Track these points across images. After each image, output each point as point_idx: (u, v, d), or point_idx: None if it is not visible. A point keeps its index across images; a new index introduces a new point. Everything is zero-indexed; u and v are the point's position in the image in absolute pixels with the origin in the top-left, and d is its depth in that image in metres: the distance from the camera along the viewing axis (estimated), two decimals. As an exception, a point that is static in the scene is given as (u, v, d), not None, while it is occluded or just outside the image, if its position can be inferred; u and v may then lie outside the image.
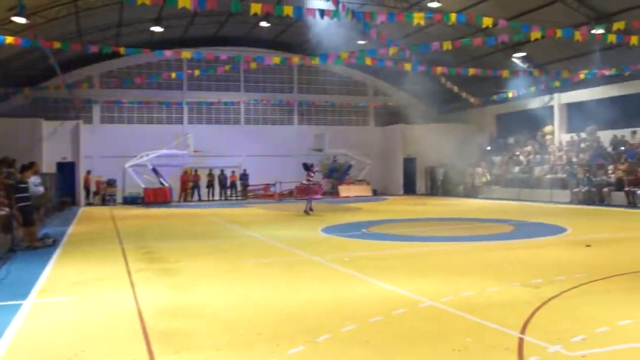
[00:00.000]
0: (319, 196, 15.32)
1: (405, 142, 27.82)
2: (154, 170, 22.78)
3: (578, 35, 14.04)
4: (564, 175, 20.63)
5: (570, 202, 19.23)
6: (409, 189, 27.85)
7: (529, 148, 24.04)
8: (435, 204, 20.14)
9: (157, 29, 21.17)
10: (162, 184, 22.69)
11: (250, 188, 25.13)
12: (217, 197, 24.38)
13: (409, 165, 27.97)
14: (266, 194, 25.21)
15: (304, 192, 14.94)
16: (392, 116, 29.46)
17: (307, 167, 14.92)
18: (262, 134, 27.05)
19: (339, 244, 9.09)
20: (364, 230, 10.56)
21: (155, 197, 21.90)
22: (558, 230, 10.86)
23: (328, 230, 11.03)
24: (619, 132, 20.73)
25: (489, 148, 26.27)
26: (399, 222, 12.92)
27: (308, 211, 14.53)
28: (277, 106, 27.59)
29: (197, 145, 24.30)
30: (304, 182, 15.02)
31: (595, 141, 21.30)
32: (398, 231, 10.76)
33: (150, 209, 18.79)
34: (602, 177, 18.67)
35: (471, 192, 24.25)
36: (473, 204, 19.59)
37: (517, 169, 23.03)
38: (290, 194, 24.67)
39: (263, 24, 22.78)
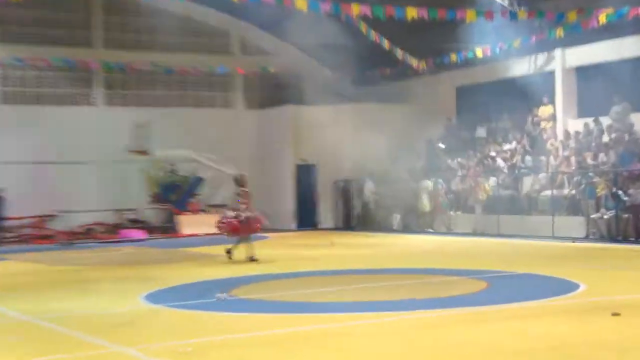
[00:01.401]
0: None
1: (299, 136, 28.75)
2: None
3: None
4: (574, 191, 21.11)
5: (586, 238, 20.11)
6: (307, 219, 29.05)
7: (512, 145, 24.92)
8: (353, 245, 21.64)
9: None
10: None
11: (10, 223, 25.68)
12: None
13: (306, 177, 28.99)
14: (40, 234, 26.20)
15: (238, 228, 16.51)
16: (275, 91, 30.69)
17: (239, 183, 16.80)
18: (35, 122, 27.48)
19: (174, 321, 9.74)
20: (220, 294, 11.32)
21: None
22: (563, 287, 11.70)
23: (156, 297, 11.81)
24: None
25: (442, 146, 27.38)
26: (287, 277, 14.02)
27: (254, 257, 16.40)
28: (62, 71, 28.19)
29: None
30: (232, 211, 16.67)
31: (627, 131, 21.70)
32: (284, 294, 11.73)
33: None
34: None
35: (415, 223, 25.37)
36: (418, 244, 21.00)
37: (491, 181, 23.70)
38: (88, 232, 26.42)
39: None
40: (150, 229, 26.53)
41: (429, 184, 25.12)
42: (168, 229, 26.70)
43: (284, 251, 19.38)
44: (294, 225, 28.39)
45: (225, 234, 16.74)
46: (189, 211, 27.42)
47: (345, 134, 27.09)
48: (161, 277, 14.28)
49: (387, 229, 25.82)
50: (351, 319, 9.34)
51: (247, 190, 16.61)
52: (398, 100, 28.56)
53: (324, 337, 8.27)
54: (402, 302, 10.56)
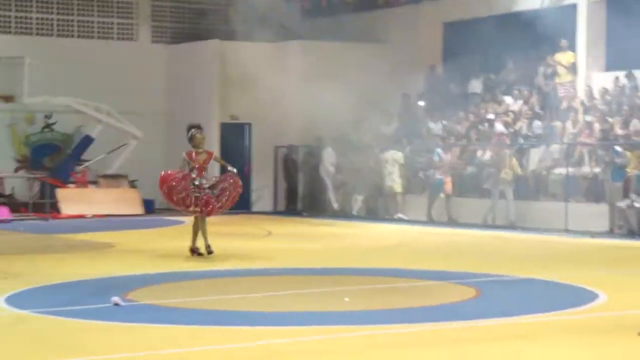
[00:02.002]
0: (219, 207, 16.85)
1: (227, 84, 28.97)
2: None
3: None
4: (596, 170, 21.41)
5: (610, 232, 20.47)
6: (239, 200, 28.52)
7: (517, 105, 24.97)
8: (297, 236, 21.76)
9: None
10: None
11: None
12: None
13: (235, 141, 29.33)
14: None
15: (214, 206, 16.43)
16: (194, 20, 30.45)
17: (191, 145, 16.73)
18: None
19: (50, 333, 9.58)
20: (116, 299, 11.17)
21: None
22: (577, 297, 11.83)
23: (21, 299, 11.66)
24: None
25: (422, 103, 27.64)
26: (204, 277, 14.15)
27: (208, 248, 16.42)
28: None
29: None
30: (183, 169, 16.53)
31: None
32: (196, 300, 11.71)
33: None
34: None
35: (383, 207, 25.28)
36: (385, 236, 21.13)
37: (487, 154, 23.89)
38: None
39: None
40: (17, 205, 26.29)
41: (399, 155, 25.31)
42: (42, 206, 26.32)
43: (203, 242, 19.14)
44: (217, 206, 28.44)
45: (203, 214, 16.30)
46: (72, 183, 27.26)
47: (291, 83, 27.13)
48: (29, 272, 14.07)
49: (345, 215, 25.83)
50: (282, 334, 9.27)
51: (202, 150, 16.38)
52: (364, 39, 28.62)
53: (242, 359, 8.20)
54: (354, 313, 10.48)
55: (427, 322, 9.85)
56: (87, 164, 28.00)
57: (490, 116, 24.90)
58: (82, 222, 24.38)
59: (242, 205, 27.76)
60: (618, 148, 20.90)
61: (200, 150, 16.33)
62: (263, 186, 29.04)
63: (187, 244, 17.01)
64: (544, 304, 11.28)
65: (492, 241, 19.89)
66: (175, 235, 20.60)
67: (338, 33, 28.61)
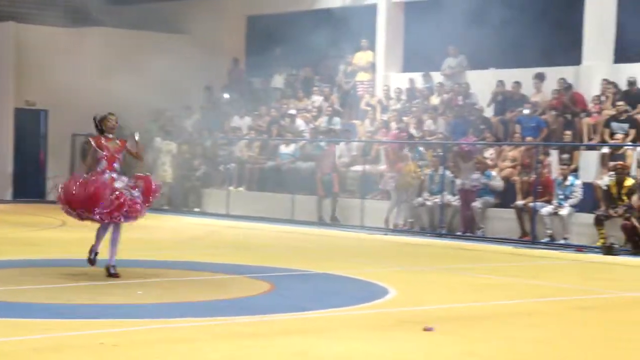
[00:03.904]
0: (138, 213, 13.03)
1: (23, 68, 28.41)
2: None
3: None
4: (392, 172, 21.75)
5: (404, 229, 21.02)
6: (30, 187, 28.80)
7: (318, 101, 25.49)
8: (91, 226, 21.07)
9: None
10: None
11: None
12: None
13: (31, 127, 28.96)
14: None
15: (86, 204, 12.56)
16: None
17: (101, 130, 12.98)
18: None
19: None
20: None
21: None
22: (368, 292, 12.07)
23: None
24: (510, 74, 22.86)
25: (227, 96, 27.80)
26: None
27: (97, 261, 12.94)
28: None
29: None
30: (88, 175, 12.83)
31: (461, 93, 23.03)
32: None
33: None
34: (474, 175, 19.99)
35: (182, 200, 25.87)
36: (183, 228, 21.30)
37: (288, 147, 24.40)
38: None
39: None
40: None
41: (172, 145, 25.50)
42: None
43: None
44: (9, 195, 28.01)
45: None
46: None
47: (90, 71, 26.89)
48: None
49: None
50: (67, 327, 9.12)
51: (113, 137, 12.90)
52: (168, 29, 28.59)
53: (24, 351, 8.06)
54: (146, 307, 10.47)
55: (219, 317, 9.85)
56: None
57: (292, 112, 25.08)
58: None
59: (35, 193, 27.99)
60: (421, 148, 21.37)
61: (112, 136, 12.95)
62: (59, 175, 27.71)
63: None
64: (336, 299, 11.43)
65: (290, 236, 20.03)
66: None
67: (142, 22, 28.48)
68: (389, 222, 20.98)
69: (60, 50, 26.94)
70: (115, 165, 12.63)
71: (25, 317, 9.60)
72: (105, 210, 12.31)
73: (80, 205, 12.49)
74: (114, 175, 12.52)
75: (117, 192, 12.32)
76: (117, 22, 28.30)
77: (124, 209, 12.44)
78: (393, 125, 22.69)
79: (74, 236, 18.41)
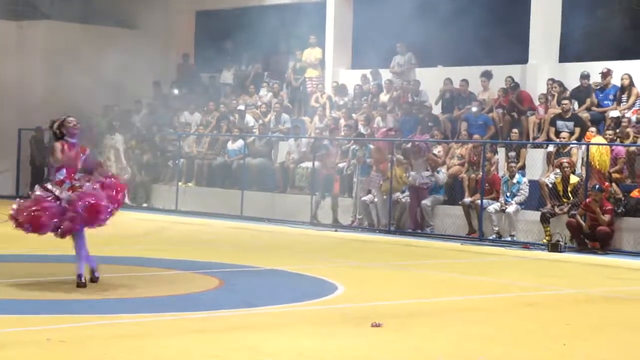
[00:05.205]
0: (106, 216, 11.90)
1: None
2: None
3: None
4: (342, 165, 22.07)
5: (354, 225, 21.20)
6: None
7: (266, 96, 25.62)
8: None
9: None
10: None
11: None
12: None
13: None
14: None
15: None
16: None
17: (61, 134, 11.94)
18: None
19: None
20: None
21: None
22: (317, 288, 12.19)
23: None
24: (458, 71, 22.89)
25: (176, 91, 27.90)
26: None
27: (94, 274, 12.01)
28: None
29: None
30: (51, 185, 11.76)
31: (411, 90, 23.11)
32: None
33: None
34: (425, 173, 20.02)
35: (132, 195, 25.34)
36: (132, 224, 20.73)
37: (235, 143, 24.38)
38: None
39: None
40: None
41: (118, 138, 25.30)
42: None
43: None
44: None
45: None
46: None
47: (36, 64, 26.73)
48: None
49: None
50: (10, 323, 9.10)
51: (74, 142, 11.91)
52: (117, 23, 28.46)
53: None
54: (95, 302, 10.45)
55: (168, 312, 9.86)
56: None
57: (241, 107, 25.09)
58: None
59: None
60: (371, 145, 21.34)
61: (73, 141, 11.86)
62: (4, 170, 28.13)
63: None
64: (285, 294, 11.52)
65: (240, 232, 20.00)
66: None
67: (90, 16, 28.27)
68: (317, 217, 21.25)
69: (4, 44, 26.79)
70: (75, 175, 11.63)
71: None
72: (60, 227, 11.42)
73: (34, 231, 11.64)
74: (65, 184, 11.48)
75: (64, 204, 11.32)
76: (64, 16, 28.06)
77: (75, 215, 11.36)
78: (342, 122, 22.70)
79: (19, 232, 18.29)
